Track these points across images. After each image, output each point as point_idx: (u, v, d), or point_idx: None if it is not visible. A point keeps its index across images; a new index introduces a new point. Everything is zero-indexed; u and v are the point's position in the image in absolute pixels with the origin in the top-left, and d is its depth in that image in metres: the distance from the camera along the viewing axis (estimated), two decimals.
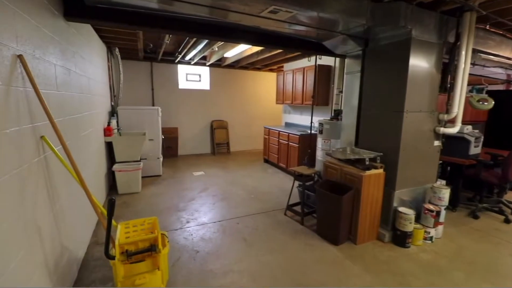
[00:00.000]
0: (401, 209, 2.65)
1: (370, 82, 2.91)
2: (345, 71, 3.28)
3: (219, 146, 7.14)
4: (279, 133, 5.41)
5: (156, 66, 6.19)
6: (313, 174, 3.15)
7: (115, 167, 3.86)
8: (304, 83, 5.00)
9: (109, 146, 4.05)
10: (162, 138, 5.02)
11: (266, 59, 5.49)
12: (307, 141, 4.58)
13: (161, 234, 2.03)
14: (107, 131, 3.90)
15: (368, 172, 2.51)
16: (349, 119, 3.22)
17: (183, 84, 6.63)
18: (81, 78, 2.66)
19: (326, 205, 2.65)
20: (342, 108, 4.11)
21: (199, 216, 3.22)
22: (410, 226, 2.58)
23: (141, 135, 4.30)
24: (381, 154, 2.64)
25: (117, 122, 4.55)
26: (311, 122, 4.33)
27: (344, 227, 2.60)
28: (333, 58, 4.52)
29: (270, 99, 7.60)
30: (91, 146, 3.02)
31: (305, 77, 4.95)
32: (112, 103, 4.86)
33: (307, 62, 5.21)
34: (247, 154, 7.09)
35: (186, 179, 4.79)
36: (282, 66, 6.63)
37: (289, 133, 5.04)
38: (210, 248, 2.53)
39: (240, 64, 6.44)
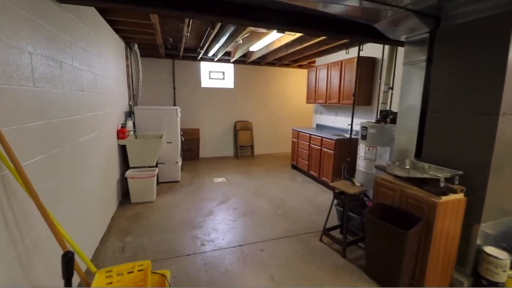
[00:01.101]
0: (489, 250, 1.90)
1: (442, 74, 2.18)
2: (402, 61, 2.56)
3: (243, 149, 6.64)
4: (310, 136, 4.75)
5: (178, 63, 5.85)
6: (359, 193, 2.49)
7: (128, 173, 3.50)
8: (341, 79, 4.29)
9: (124, 150, 3.71)
10: (182, 140, 4.62)
11: (296, 52, 4.85)
12: (345, 147, 3.88)
13: (162, 275, 1.54)
14: (121, 134, 3.55)
15: (444, 198, 1.81)
16: (406, 122, 2.51)
17: (205, 82, 6.22)
18: (82, 73, 2.28)
19: (382, 239, 1.99)
20: (392, 108, 3.39)
21: (217, 237, 2.70)
22: (503, 275, 1.83)
23: (157, 138, 3.92)
24: (461, 172, 1.91)
25: (134, 123, 4.22)
26: (351, 124, 3.62)
27: (407, 270, 1.92)
28: (380, 48, 3.78)
29: (299, 98, 6.93)
30: (97, 151, 2.64)
31: (343, 72, 4.24)
32: (130, 103, 4.56)
33: (345, 55, 4.50)
34: (272, 158, 6.50)
35: (205, 186, 4.33)
36: (313, 62, 5.94)
37: (322, 137, 4.37)
38: None
39: (266, 60, 5.88)
